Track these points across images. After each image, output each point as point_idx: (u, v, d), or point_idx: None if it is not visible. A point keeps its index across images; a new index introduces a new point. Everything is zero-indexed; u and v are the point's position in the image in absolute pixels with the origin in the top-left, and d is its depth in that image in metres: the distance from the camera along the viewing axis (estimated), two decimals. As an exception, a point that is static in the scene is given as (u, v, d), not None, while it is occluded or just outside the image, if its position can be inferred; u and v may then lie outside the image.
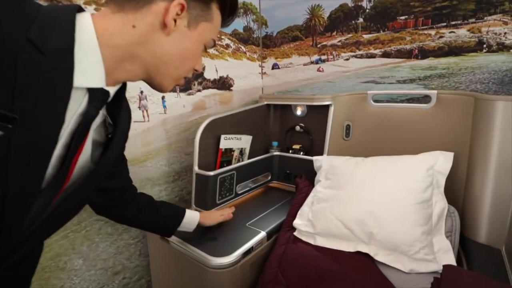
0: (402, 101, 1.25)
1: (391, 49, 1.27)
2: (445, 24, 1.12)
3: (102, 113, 0.47)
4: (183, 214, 0.92)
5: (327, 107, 1.31)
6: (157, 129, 1.22)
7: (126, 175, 0.77)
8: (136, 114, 1.14)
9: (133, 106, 1.13)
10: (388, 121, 1.22)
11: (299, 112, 1.41)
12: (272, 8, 1.63)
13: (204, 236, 1.01)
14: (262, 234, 1.03)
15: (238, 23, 1.56)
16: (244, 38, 1.61)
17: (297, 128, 1.41)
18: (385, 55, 1.29)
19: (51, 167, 0.40)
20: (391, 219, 0.91)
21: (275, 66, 1.68)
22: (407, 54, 1.23)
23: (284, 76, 1.66)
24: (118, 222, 0.87)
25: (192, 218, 0.95)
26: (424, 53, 1.19)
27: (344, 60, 1.41)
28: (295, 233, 1.05)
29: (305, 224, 1.04)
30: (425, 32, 1.16)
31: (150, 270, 1.19)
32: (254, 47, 1.68)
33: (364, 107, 1.28)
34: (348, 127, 1.32)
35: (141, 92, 1.15)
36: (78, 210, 0.53)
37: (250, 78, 1.67)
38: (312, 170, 1.26)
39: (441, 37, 1.13)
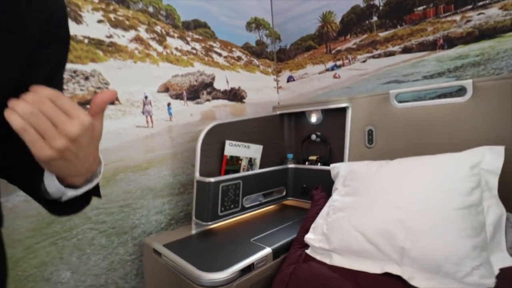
0: (432, 99, 1.08)
1: (412, 43, 1.14)
2: (470, 6, 0.98)
3: None
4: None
5: (344, 111, 1.18)
6: (161, 136, 1.17)
7: None
8: (139, 119, 1.11)
9: (137, 110, 1.10)
10: (417, 122, 1.05)
11: (314, 119, 1.29)
12: (284, 22, 1.61)
13: (198, 249, 0.87)
14: (267, 250, 0.87)
15: (250, 37, 1.55)
16: (257, 52, 1.59)
17: (313, 137, 1.28)
18: (406, 50, 1.16)
19: None
20: (426, 228, 0.71)
21: (290, 79, 1.62)
22: (431, 46, 1.09)
23: (299, 88, 1.57)
24: None
25: None
26: (450, 42, 1.04)
27: (361, 62, 1.31)
28: (308, 251, 0.87)
29: (319, 239, 0.86)
30: (449, 19, 1.03)
31: (145, 293, 1.06)
32: (268, 61, 1.65)
33: (388, 109, 1.13)
34: (370, 133, 1.17)
35: (146, 97, 1.13)
36: None
37: (265, 91, 1.61)
38: (331, 182, 1.10)
39: (468, 21, 0.99)
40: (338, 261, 0.80)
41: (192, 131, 1.27)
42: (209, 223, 0.99)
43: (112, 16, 1.05)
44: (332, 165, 1.08)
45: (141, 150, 1.11)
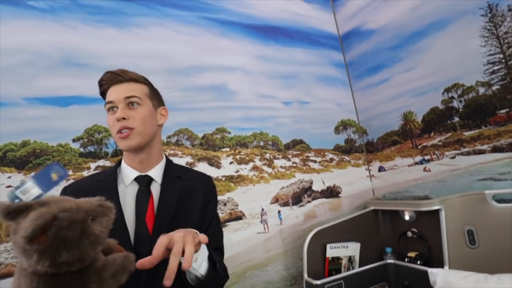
0: (537, 202, 1.05)
1: (501, 143, 1.16)
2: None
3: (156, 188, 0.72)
4: None
5: (437, 211, 1.25)
6: (275, 238, 1.52)
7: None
8: (259, 227, 1.50)
9: (257, 220, 1.50)
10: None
11: (407, 217, 1.38)
12: (369, 119, 1.83)
13: None
14: None
15: (339, 138, 1.83)
16: (347, 149, 1.84)
17: (409, 234, 1.36)
18: (496, 149, 1.18)
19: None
20: None
21: (381, 169, 1.77)
22: (523, 148, 1.09)
23: (391, 177, 1.69)
24: None
25: None
26: (545, 145, 1.03)
27: (450, 158, 1.36)
28: None
29: None
30: (535, 123, 1.04)
31: None
32: (357, 154, 1.86)
33: (486, 209, 1.15)
34: (471, 233, 1.18)
35: (262, 209, 1.52)
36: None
37: (358, 182, 1.80)
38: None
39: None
40: None
41: (298, 230, 1.57)
42: (320, 321, 1.20)
43: (238, 156, 1.55)
44: (429, 271, 1.14)
45: (261, 251, 1.47)
